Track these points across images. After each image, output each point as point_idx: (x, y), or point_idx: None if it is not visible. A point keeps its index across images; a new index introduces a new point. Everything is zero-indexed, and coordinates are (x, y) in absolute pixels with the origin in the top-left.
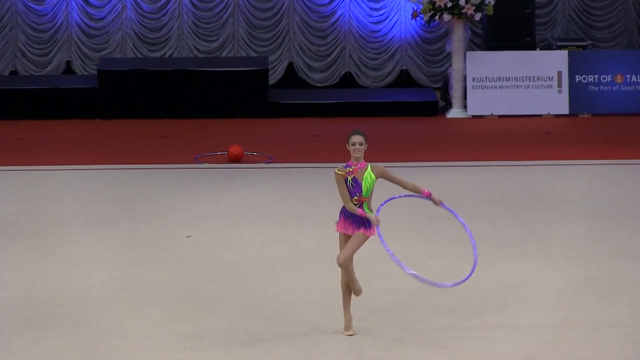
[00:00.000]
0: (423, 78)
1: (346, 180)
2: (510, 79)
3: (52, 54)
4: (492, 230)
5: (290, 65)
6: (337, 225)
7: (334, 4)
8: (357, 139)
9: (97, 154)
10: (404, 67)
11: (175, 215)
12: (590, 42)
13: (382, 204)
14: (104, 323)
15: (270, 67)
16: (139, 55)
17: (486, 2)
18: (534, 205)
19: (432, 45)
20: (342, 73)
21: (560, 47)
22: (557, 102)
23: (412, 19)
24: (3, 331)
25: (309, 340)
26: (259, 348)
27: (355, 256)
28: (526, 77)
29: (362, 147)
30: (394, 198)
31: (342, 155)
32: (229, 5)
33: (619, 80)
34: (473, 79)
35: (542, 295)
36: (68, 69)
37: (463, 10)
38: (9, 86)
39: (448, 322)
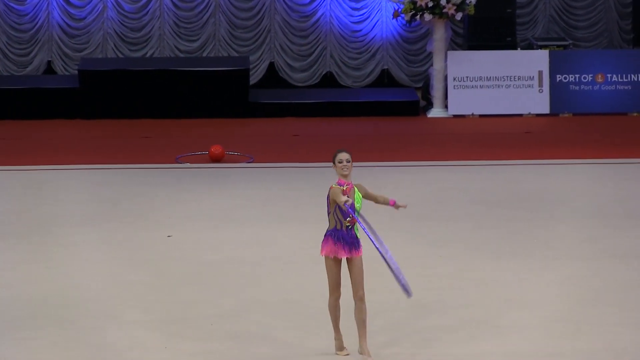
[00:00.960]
0: (404, 78)
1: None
2: (491, 78)
3: (33, 54)
4: (474, 231)
5: (272, 65)
6: (323, 249)
7: (314, 4)
8: (344, 156)
9: (78, 154)
10: (385, 67)
11: (156, 216)
12: (571, 41)
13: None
14: (87, 323)
15: (251, 66)
16: (120, 55)
17: (467, 1)
18: (515, 205)
19: (413, 45)
20: (323, 73)
21: (541, 47)
22: (538, 102)
23: (393, 18)
24: None
25: (291, 340)
26: (241, 348)
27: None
28: (507, 76)
29: (350, 164)
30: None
31: (323, 154)
32: (210, 5)
33: (599, 80)
34: (454, 79)
35: (524, 295)
36: (49, 69)
37: (444, 10)
38: None
39: (429, 322)
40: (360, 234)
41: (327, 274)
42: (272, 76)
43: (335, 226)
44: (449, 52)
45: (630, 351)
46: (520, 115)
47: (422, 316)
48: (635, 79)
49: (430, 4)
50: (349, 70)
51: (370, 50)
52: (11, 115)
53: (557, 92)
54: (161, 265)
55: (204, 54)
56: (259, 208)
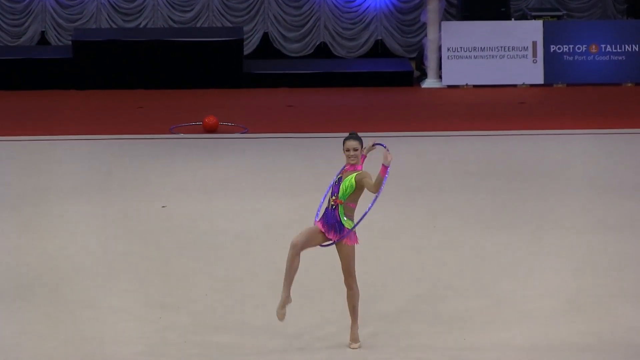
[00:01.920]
0: (398, 48)
1: (335, 179)
2: (485, 49)
3: (26, 24)
4: (467, 201)
5: (265, 35)
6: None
7: None
8: (351, 144)
9: (71, 125)
10: (379, 37)
11: (150, 186)
12: (565, 12)
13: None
14: (80, 294)
15: (245, 37)
16: (114, 26)
17: None
18: (509, 176)
19: (407, 15)
20: (317, 43)
21: (535, 17)
22: (532, 72)
23: None
24: None
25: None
26: (235, 319)
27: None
28: (501, 47)
29: (357, 152)
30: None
31: (317, 125)
32: None
33: (593, 50)
34: (448, 49)
35: (517, 266)
36: (42, 40)
37: None
38: None
39: (421, 292)
40: (348, 220)
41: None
42: (266, 47)
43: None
44: (443, 23)
45: (622, 323)
46: (514, 85)
47: (415, 286)
48: (629, 50)
49: None
50: (343, 40)
51: (364, 21)
52: (4, 86)
53: (551, 63)
54: (155, 236)
55: (198, 25)
56: (253, 179)
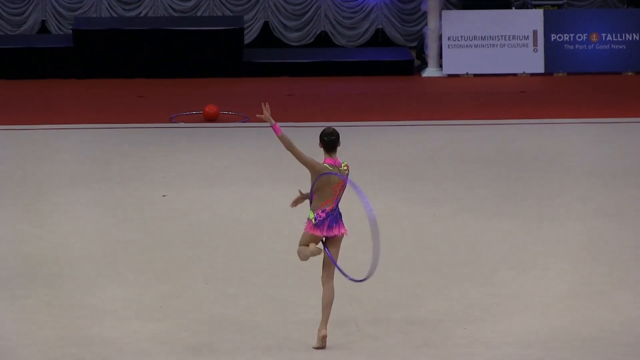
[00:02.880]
0: (398, 37)
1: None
2: (486, 37)
3: (27, 13)
4: (467, 190)
5: (266, 24)
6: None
7: None
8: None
9: (72, 113)
10: (380, 26)
11: (150, 175)
12: (565, 0)
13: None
14: (80, 282)
15: (245, 26)
16: (114, 15)
17: None
18: (509, 164)
19: (407, 4)
20: (318, 32)
21: (535, 6)
22: (533, 61)
23: None
24: None
25: (284, 298)
26: (236, 307)
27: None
28: (502, 36)
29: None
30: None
31: (317, 114)
32: None
33: (594, 39)
34: (449, 38)
35: (517, 254)
36: (43, 29)
37: None
38: None
39: (421, 281)
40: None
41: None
42: (267, 35)
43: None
44: (444, 12)
45: (622, 311)
46: (515, 74)
47: (415, 275)
48: (630, 39)
49: None
50: (343, 29)
51: (365, 10)
52: (5, 74)
53: (552, 52)
54: (155, 225)
55: (198, 13)
56: (253, 168)
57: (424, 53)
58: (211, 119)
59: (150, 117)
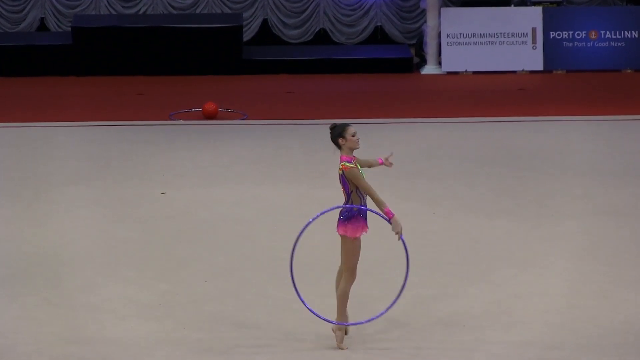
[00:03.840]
0: (397, 34)
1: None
2: (485, 35)
3: (26, 10)
4: (467, 188)
5: (265, 22)
6: (357, 230)
7: None
8: (354, 129)
9: (71, 111)
10: (379, 24)
11: (150, 173)
12: None
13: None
14: (79, 281)
15: (244, 23)
16: (113, 12)
17: None
18: (508, 162)
19: (406, 1)
20: (317, 30)
21: (534, 4)
22: (532, 59)
23: None
24: None
25: (284, 297)
26: (235, 305)
27: None
28: (501, 33)
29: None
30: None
31: (316, 111)
32: None
33: (593, 37)
34: (448, 36)
35: (516, 252)
36: (42, 26)
37: None
38: None
39: (422, 279)
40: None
41: (355, 255)
42: (266, 33)
43: (361, 203)
44: (443, 9)
45: (622, 309)
46: (514, 72)
47: (414, 273)
48: (629, 36)
49: None
50: (342, 27)
51: (364, 7)
52: (4, 72)
53: (551, 49)
54: (154, 223)
55: (197, 11)
56: (253, 165)
57: (423, 50)
58: (210, 116)
59: (150, 114)
